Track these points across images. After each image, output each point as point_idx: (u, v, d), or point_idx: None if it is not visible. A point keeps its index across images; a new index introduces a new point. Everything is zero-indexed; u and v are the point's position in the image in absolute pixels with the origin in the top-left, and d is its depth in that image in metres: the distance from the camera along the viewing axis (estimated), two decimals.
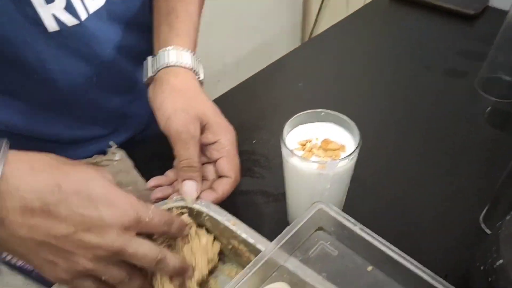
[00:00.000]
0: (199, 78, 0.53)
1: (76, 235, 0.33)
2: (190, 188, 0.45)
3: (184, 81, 0.50)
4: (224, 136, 0.48)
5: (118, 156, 0.60)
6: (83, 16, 0.48)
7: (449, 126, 0.65)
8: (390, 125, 0.67)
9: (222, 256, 0.48)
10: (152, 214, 0.38)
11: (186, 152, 0.45)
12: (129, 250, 0.36)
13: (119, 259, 0.37)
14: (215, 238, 0.46)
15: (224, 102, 0.74)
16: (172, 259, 0.39)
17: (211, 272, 0.45)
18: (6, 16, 0.43)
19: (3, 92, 0.50)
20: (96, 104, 0.59)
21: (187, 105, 0.47)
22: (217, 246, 0.45)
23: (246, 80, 0.76)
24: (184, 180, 0.46)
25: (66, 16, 0.46)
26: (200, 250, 0.44)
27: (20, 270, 0.48)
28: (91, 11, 0.49)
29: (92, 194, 0.34)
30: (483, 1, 0.90)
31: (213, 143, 0.48)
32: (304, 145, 0.44)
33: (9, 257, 0.48)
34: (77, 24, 0.48)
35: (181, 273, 0.41)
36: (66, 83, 0.52)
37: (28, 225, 0.33)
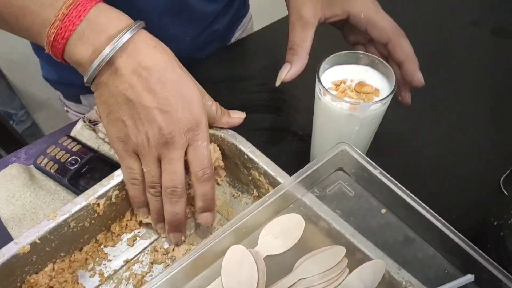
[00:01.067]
0: None
1: (154, 110, 0.38)
2: (282, 70, 0.47)
3: None
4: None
5: None
6: None
7: (486, 87, 0.63)
8: (428, 81, 0.65)
9: (241, 185, 0.50)
10: (205, 147, 0.41)
11: (291, 34, 0.47)
12: (172, 152, 0.39)
13: (162, 155, 0.40)
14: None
15: (259, 38, 0.73)
16: (180, 208, 0.42)
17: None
18: None
19: None
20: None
21: None
22: (218, 152, 0.47)
23: (281, 18, 0.75)
24: (285, 62, 0.47)
25: None
26: None
27: (51, 176, 0.51)
28: None
29: (182, 90, 0.39)
30: None
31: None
32: (339, 85, 0.44)
33: (43, 164, 0.51)
34: None
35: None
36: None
37: (130, 83, 0.38)
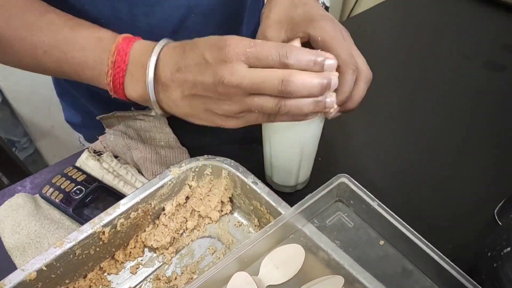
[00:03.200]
0: None
1: (199, 67, 0.38)
2: None
3: None
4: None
5: (153, 113, 0.63)
6: None
7: (479, 118, 0.65)
8: (422, 111, 0.67)
9: (242, 214, 0.51)
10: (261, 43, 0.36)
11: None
12: (244, 81, 0.36)
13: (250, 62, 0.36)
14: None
15: None
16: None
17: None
18: None
19: None
20: None
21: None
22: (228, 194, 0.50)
23: None
24: None
25: None
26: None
27: (56, 206, 0.52)
28: None
29: (201, 44, 0.39)
30: None
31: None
32: None
33: (48, 193, 0.52)
34: None
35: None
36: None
37: (178, 81, 0.39)
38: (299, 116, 0.38)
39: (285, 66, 0.35)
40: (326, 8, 0.51)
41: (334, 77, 0.37)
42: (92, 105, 0.70)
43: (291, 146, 0.47)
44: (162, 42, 0.42)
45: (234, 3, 0.60)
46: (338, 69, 0.40)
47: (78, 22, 0.45)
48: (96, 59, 0.43)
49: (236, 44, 0.36)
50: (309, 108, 0.36)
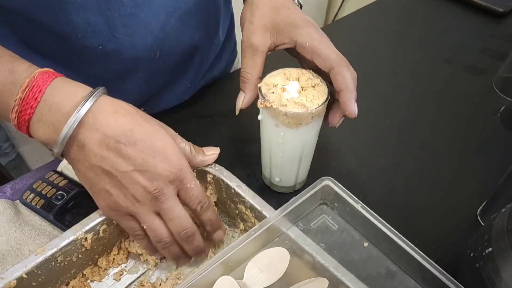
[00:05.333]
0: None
1: (133, 173, 0.39)
2: (238, 98, 0.48)
3: None
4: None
5: None
6: None
7: (461, 120, 0.66)
8: (402, 114, 0.68)
9: (229, 219, 0.51)
10: (194, 186, 0.42)
11: (241, 62, 0.48)
12: (166, 203, 0.40)
13: (157, 209, 0.40)
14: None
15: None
16: (198, 241, 0.43)
17: None
18: None
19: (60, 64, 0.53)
20: (149, 80, 0.61)
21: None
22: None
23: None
24: (240, 90, 0.48)
25: None
26: None
27: (37, 212, 0.51)
28: None
29: (154, 145, 0.39)
30: None
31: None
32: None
33: (29, 199, 0.51)
34: None
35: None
36: (131, 54, 0.54)
37: (101, 156, 0.38)
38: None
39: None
40: (300, 6, 0.52)
41: None
42: None
43: (292, 147, 0.48)
44: (97, 92, 0.39)
45: (209, 6, 0.61)
46: (332, 70, 0.44)
47: None
48: (5, 92, 0.38)
49: (190, 174, 0.41)
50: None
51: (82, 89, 0.39)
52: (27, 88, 0.37)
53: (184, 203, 0.42)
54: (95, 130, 0.38)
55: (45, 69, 0.39)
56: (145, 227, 0.41)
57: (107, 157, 0.38)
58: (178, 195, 0.41)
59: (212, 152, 0.47)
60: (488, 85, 0.72)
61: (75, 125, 0.37)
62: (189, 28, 0.58)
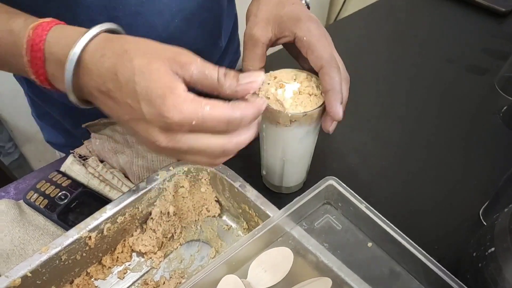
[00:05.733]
0: None
1: (132, 123, 0.35)
2: None
3: None
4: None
5: None
6: None
7: (463, 120, 0.66)
8: (405, 113, 0.68)
9: (232, 218, 0.51)
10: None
11: (243, 54, 0.47)
12: (182, 148, 0.34)
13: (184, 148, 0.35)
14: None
15: None
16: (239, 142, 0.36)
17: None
18: None
19: None
20: None
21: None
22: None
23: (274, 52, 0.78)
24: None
25: None
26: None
27: (40, 211, 0.51)
28: None
29: (136, 87, 0.33)
30: None
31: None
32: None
33: (32, 199, 0.51)
34: None
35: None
36: None
37: (106, 105, 0.36)
38: None
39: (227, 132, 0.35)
40: (308, 6, 0.52)
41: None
42: (70, 123, 0.69)
43: (272, 146, 0.48)
44: (93, 30, 0.36)
45: (213, 6, 0.61)
46: (322, 69, 0.43)
47: None
48: (15, 55, 0.38)
49: (180, 118, 0.32)
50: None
51: (78, 31, 0.36)
52: (28, 50, 0.36)
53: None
54: (88, 75, 0.35)
55: (39, 21, 0.37)
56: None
57: (107, 104, 0.36)
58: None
59: (249, 80, 0.35)
60: (490, 84, 0.72)
61: (72, 68, 0.35)
62: (192, 28, 0.59)
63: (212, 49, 0.68)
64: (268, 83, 0.44)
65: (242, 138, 0.35)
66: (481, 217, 0.52)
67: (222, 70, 0.35)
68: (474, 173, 0.58)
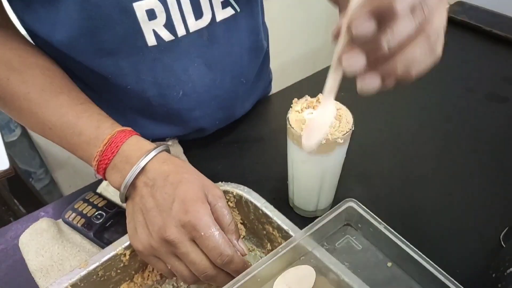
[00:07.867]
0: None
1: (153, 211, 0.43)
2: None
3: None
4: None
5: (170, 142, 0.67)
6: (180, 33, 0.53)
7: (484, 148, 0.67)
8: (427, 143, 0.70)
9: (256, 239, 0.53)
10: (211, 235, 0.42)
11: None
12: (180, 248, 0.42)
13: (175, 252, 0.43)
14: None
15: (270, 103, 0.80)
16: (221, 279, 0.44)
17: None
18: (111, 29, 0.49)
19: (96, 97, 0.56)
20: (176, 114, 0.63)
21: None
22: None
23: (290, 85, 0.81)
24: None
25: (164, 32, 0.52)
26: None
27: (78, 230, 0.55)
28: (192, 30, 0.54)
29: (178, 189, 0.43)
30: None
31: None
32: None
33: (70, 218, 0.55)
34: (172, 40, 0.53)
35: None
36: (155, 93, 0.58)
37: (141, 195, 0.45)
38: None
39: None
40: None
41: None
42: None
43: (314, 174, 0.50)
44: (159, 148, 0.47)
45: (234, 51, 0.61)
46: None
47: (84, 108, 0.50)
48: (90, 144, 0.47)
49: (197, 222, 0.42)
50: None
51: (149, 146, 0.47)
52: (107, 144, 0.46)
53: (204, 253, 0.43)
54: (144, 174, 0.45)
55: (124, 128, 0.48)
56: (169, 267, 0.44)
57: (143, 195, 0.44)
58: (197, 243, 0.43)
59: (242, 247, 0.46)
60: (510, 112, 0.73)
61: (136, 173, 0.45)
62: (211, 71, 0.60)
63: (235, 87, 0.66)
64: (312, 109, 0.48)
65: (221, 276, 0.44)
66: (502, 242, 0.53)
67: (232, 219, 0.45)
68: (497, 199, 0.59)
